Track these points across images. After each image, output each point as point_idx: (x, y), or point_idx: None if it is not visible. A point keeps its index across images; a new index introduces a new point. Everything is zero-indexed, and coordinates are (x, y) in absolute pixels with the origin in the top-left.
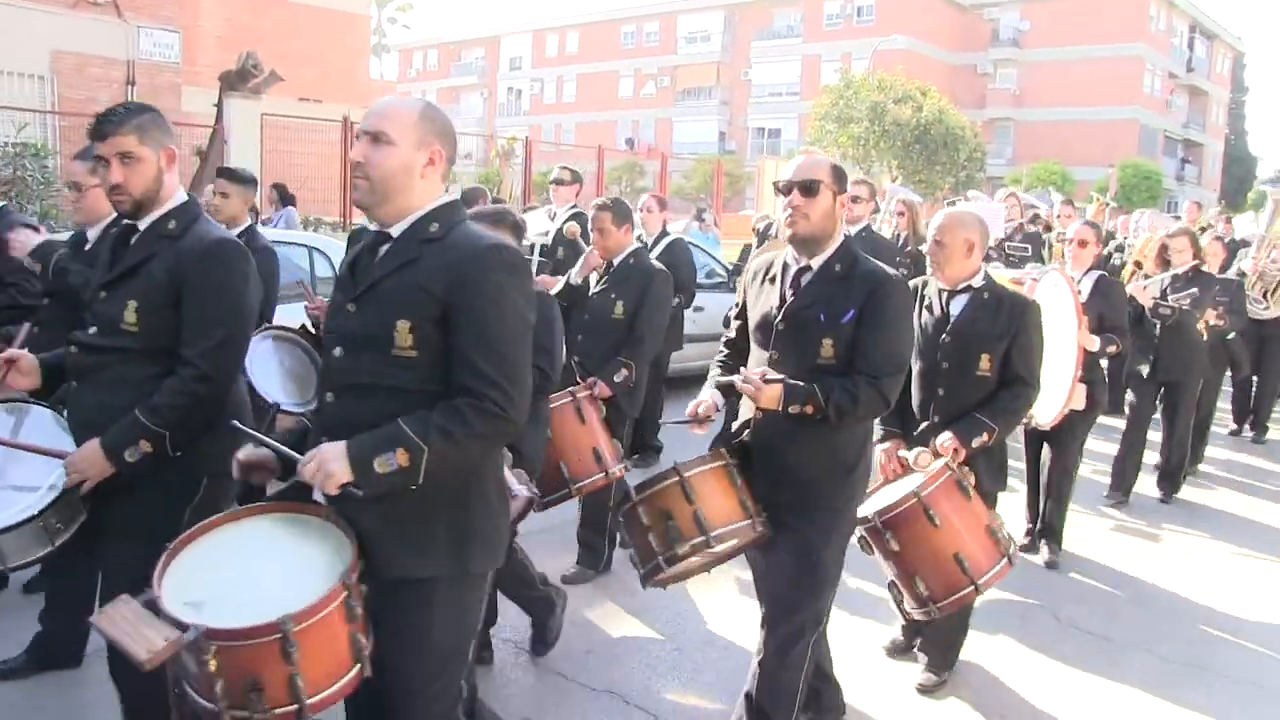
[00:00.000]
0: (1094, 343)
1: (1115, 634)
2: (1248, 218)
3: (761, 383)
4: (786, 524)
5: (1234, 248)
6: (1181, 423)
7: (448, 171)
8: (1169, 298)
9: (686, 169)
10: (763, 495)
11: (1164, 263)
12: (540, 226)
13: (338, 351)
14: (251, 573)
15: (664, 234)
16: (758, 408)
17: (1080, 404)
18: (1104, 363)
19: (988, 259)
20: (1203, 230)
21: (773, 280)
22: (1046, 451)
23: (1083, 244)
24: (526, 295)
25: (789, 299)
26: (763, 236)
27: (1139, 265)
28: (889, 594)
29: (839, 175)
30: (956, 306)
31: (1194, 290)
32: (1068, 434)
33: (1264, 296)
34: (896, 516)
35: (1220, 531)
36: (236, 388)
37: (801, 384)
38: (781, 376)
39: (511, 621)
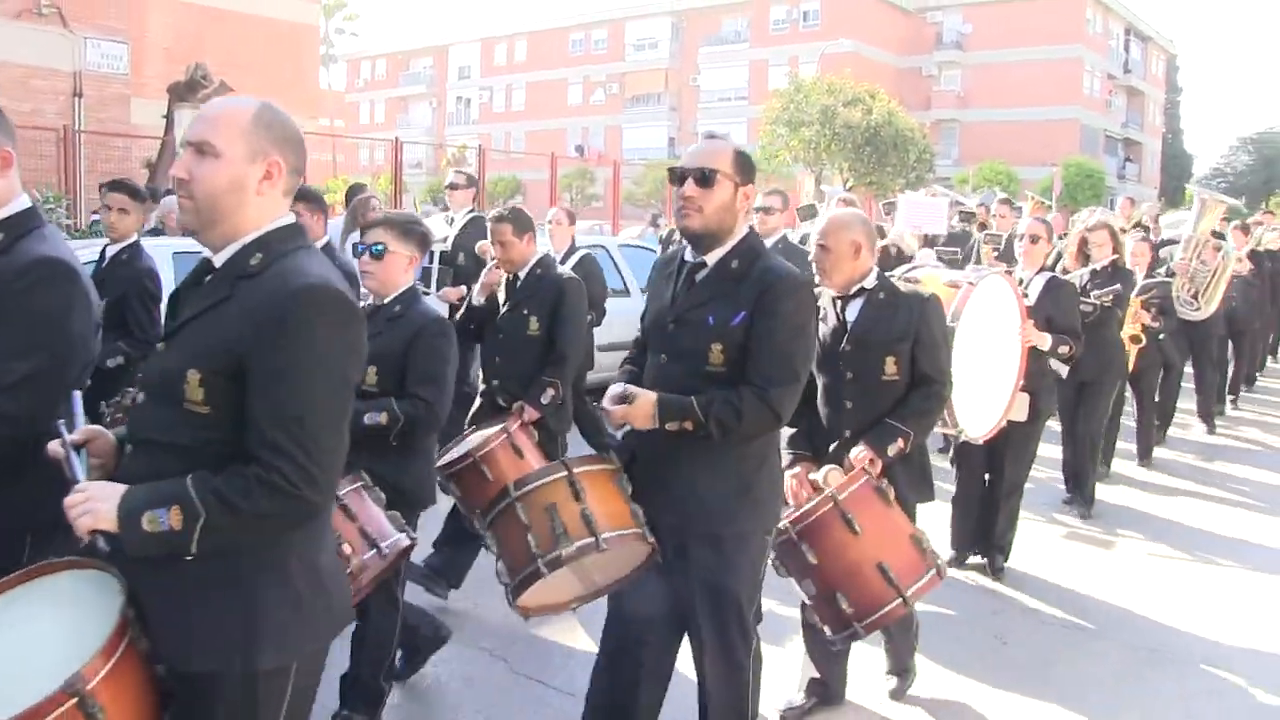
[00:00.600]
0: (1045, 341)
1: (1084, 624)
2: (1177, 217)
3: (626, 406)
4: (689, 559)
5: (1159, 247)
6: (1095, 422)
7: (292, 186)
8: (1090, 293)
9: (636, 175)
10: (655, 521)
11: (1084, 257)
12: (439, 232)
13: (140, 398)
14: (17, 650)
15: (573, 248)
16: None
17: (1022, 415)
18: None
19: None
20: (1137, 227)
21: (669, 277)
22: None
23: (1034, 240)
24: (346, 346)
25: (680, 298)
26: (666, 244)
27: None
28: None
29: (743, 164)
30: (852, 312)
31: (1117, 286)
32: (1016, 447)
33: (1194, 298)
34: (812, 524)
35: (1176, 529)
36: (56, 428)
37: (676, 397)
38: (636, 390)
39: (489, 630)
